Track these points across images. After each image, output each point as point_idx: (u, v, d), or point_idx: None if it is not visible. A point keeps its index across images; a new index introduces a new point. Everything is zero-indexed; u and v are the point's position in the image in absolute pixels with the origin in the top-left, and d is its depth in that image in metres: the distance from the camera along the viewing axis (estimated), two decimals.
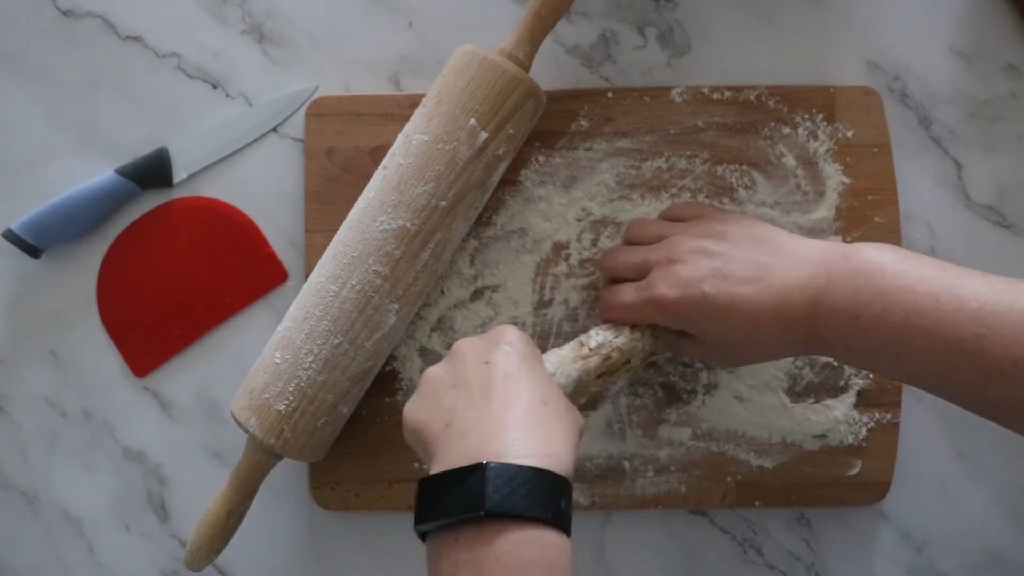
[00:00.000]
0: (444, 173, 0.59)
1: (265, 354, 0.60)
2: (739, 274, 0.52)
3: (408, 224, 0.59)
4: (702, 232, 0.55)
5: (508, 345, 0.49)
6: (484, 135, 0.59)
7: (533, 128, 0.64)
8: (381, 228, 0.59)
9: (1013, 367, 0.45)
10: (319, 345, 0.58)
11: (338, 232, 0.61)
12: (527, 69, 0.60)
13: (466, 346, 0.50)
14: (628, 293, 0.55)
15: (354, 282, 0.59)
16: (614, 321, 0.57)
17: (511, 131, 0.60)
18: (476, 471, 0.41)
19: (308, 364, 0.58)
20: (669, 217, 0.60)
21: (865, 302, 0.48)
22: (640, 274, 0.56)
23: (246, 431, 0.59)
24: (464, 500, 0.41)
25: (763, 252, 0.52)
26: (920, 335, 0.47)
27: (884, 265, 0.49)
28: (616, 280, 0.58)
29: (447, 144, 0.59)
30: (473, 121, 0.59)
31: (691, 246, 0.54)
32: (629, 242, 0.59)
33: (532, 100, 0.60)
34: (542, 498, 0.41)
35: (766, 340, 0.52)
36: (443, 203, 0.59)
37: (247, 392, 0.59)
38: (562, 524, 0.41)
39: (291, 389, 0.58)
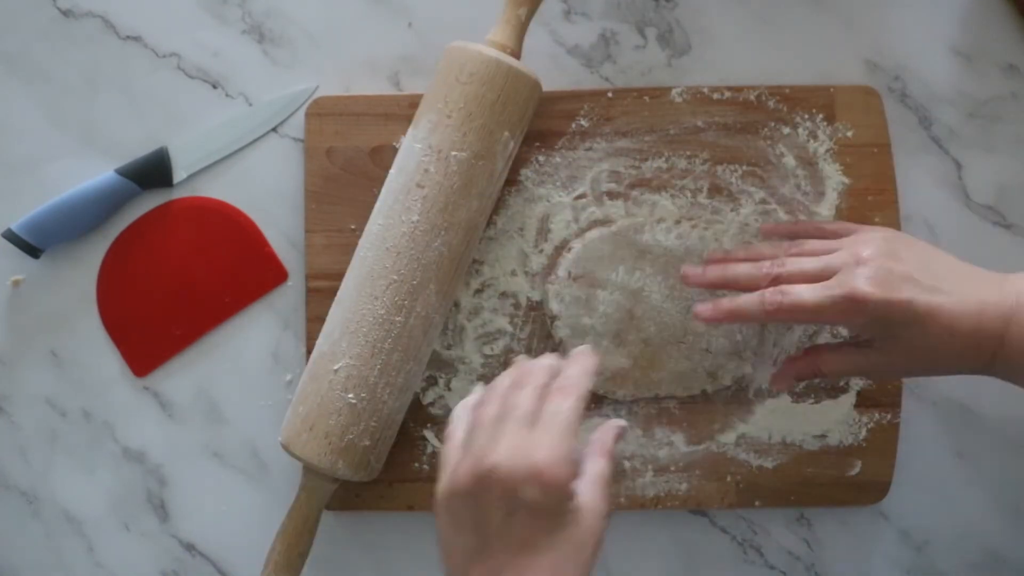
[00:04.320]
0: (485, 190, 0.60)
1: (328, 393, 0.59)
2: (933, 284, 0.51)
3: (459, 245, 0.60)
4: (873, 239, 0.53)
5: (540, 490, 0.43)
6: (512, 145, 0.60)
7: (533, 128, 0.65)
8: (436, 252, 0.59)
9: None
10: (394, 376, 0.59)
11: (373, 251, 0.60)
12: (520, 56, 0.61)
13: (501, 472, 0.44)
14: (810, 292, 0.52)
15: (419, 309, 0.59)
16: (785, 321, 0.56)
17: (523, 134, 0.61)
18: None
19: (386, 397, 0.59)
20: (806, 233, 0.59)
21: None
22: (813, 280, 0.53)
23: (332, 476, 0.59)
24: None
25: (946, 268, 0.52)
26: None
27: None
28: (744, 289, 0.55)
29: (487, 161, 0.59)
30: (507, 134, 0.59)
31: (875, 249, 0.52)
32: (751, 258, 0.57)
33: (537, 98, 0.61)
34: None
35: (956, 354, 0.51)
36: (482, 218, 0.61)
37: (323, 437, 0.58)
38: None
39: (374, 423, 0.59)
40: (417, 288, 0.59)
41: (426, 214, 0.59)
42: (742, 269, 0.56)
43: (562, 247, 0.65)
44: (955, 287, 0.51)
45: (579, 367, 0.49)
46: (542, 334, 0.65)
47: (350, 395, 0.58)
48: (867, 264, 0.51)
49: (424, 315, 0.59)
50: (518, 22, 0.61)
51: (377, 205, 0.61)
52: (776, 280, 0.54)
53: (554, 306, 0.64)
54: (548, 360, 0.50)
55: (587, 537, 0.45)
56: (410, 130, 0.61)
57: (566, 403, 0.46)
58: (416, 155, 0.60)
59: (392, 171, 0.62)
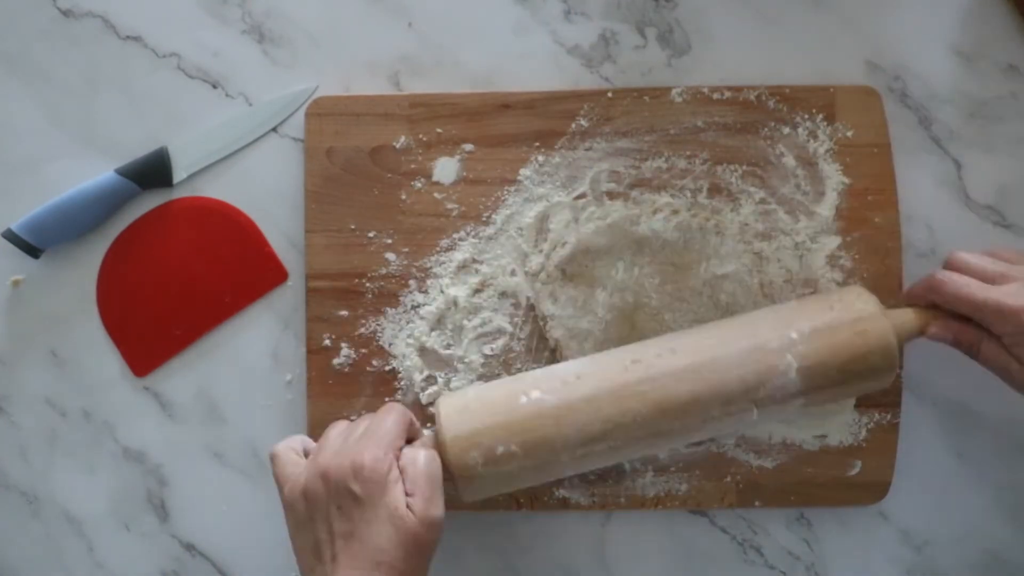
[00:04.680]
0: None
1: (516, 410, 0.57)
2: None
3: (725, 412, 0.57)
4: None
5: (361, 484, 0.52)
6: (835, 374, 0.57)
7: (533, 128, 0.65)
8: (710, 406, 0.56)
9: None
10: (574, 455, 0.56)
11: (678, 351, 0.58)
12: (901, 344, 0.59)
13: (329, 474, 0.53)
14: (978, 287, 0.57)
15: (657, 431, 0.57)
16: (934, 302, 0.59)
17: (845, 391, 0.59)
18: None
19: (559, 459, 0.56)
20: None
21: None
22: (988, 281, 0.57)
23: (451, 476, 0.56)
24: None
25: None
26: None
27: None
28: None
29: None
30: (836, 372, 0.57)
31: None
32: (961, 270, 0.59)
33: (880, 376, 0.58)
34: None
35: None
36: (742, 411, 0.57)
37: (473, 448, 0.56)
38: None
39: (511, 477, 0.57)
40: (668, 411, 0.56)
41: (729, 349, 0.57)
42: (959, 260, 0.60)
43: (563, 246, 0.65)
44: None
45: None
46: (542, 333, 0.65)
47: (521, 451, 0.56)
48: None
49: (637, 416, 0.56)
50: (919, 327, 0.59)
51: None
52: (953, 268, 0.59)
53: (547, 307, 0.64)
54: None
55: (413, 535, 0.51)
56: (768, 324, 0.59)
57: (388, 418, 0.56)
58: (770, 320, 0.59)
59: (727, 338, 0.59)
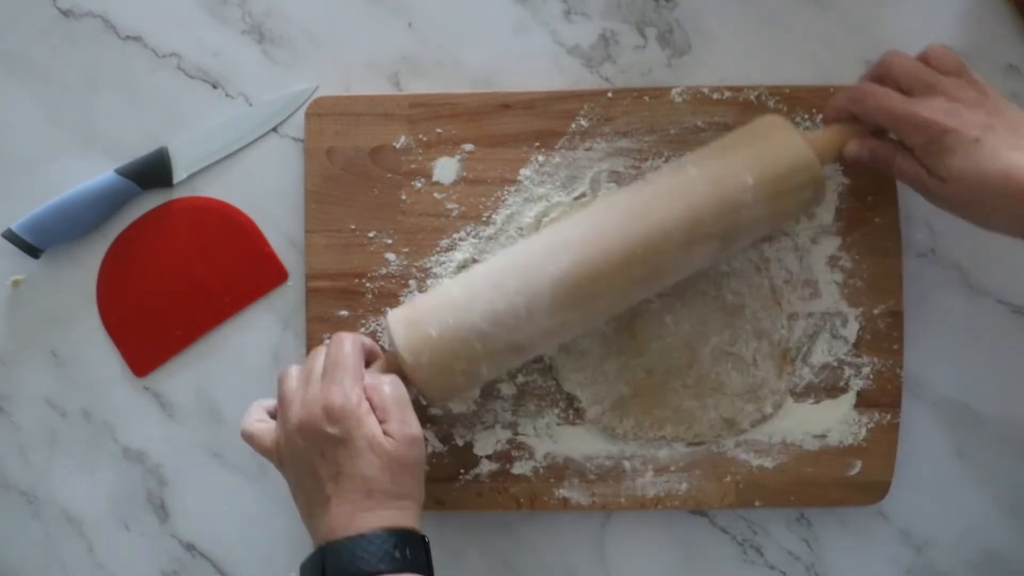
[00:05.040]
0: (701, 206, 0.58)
1: (442, 288, 0.59)
2: (1009, 139, 0.55)
3: (652, 248, 0.57)
4: (986, 96, 0.57)
5: (336, 426, 0.53)
6: (750, 184, 0.58)
7: (533, 128, 0.65)
8: (632, 247, 0.57)
9: None
10: (497, 298, 0.56)
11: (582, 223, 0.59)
12: (824, 163, 0.59)
13: (304, 425, 0.54)
14: (898, 99, 0.57)
15: (565, 264, 0.57)
16: (855, 114, 0.59)
17: (777, 207, 0.58)
18: (319, 554, 0.52)
19: (479, 309, 0.56)
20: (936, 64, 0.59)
21: None
22: (913, 93, 0.57)
23: (416, 384, 0.57)
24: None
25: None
26: None
27: None
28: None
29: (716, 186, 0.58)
30: (750, 179, 0.57)
31: (976, 98, 0.56)
32: (892, 77, 0.59)
33: (811, 190, 0.59)
34: (373, 557, 0.51)
35: (1007, 200, 0.54)
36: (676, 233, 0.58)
37: (427, 346, 0.56)
38: (405, 567, 0.51)
39: (450, 321, 0.56)
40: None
41: (663, 218, 0.57)
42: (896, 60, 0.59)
43: None
44: (1022, 149, 0.54)
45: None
46: None
47: (478, 339, 0.56)
48: (956, 101, 0.56)
49: (566, 268, 0.57)
50: (839, 143, 0.60)
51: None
52: (881, 73, 0.59)
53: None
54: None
55: (396, 457, 0.53)
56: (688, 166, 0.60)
57: (343, 350, 0.56)
58: (694, 175, 0.58)
59: (644, 190, 0.60)
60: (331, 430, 0.53)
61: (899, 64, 0.58)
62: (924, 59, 0.59)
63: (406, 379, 0.57)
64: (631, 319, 0.64)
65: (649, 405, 0.64)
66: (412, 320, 0.57)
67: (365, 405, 0.54)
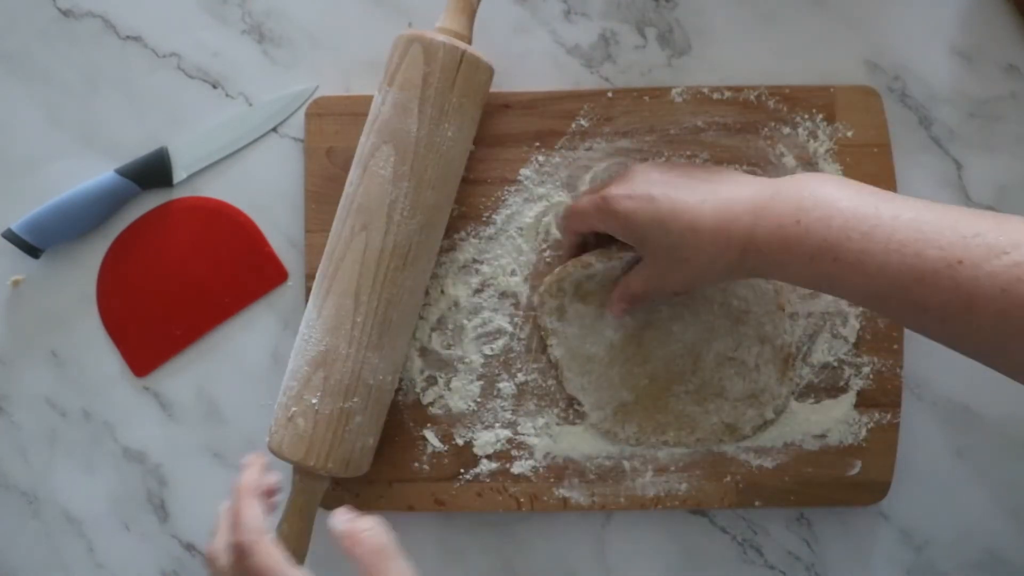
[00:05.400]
0: (437, 176, 0.60)
1: (308, 392, 0.60)
2: (687, 186, 0.54)
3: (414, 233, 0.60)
4: (654, 165, 0.58)
5: None
6: (468, 132, 0.61)
7: (533, 128, 0.65)
8: (397, 239, 0.60)
9: (948, 269, 0.45)
10: (373, 371, 0.60)
11: (338, 253, 0.61)
12: (469, 40, 0.61)
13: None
14: (585, 199, 0.60)
15: (386, 296, 0.60)
16: (568, 229, 0.62)
17: (456, 101, 0.60)
18: None
19: (369, 392, 0.60)
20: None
21: (807, 208, 0.49)
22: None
23: (323, 474, 0.60)
24: None
25: (713, 176, 0.55)
26: (859, 236, 0.47)
27: (827, 180, 0.51)
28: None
29: (437, 150, 0.60)
30: (458, 120, 0.60)
31: (644, 169, 0.58)
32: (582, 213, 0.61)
33: (470, 68, 0.60)
34: None
35: (704, 251, 0.53)
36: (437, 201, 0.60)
37: (307, 438, 0.59)
38: None
39: (358, 419, 0.60)
40: (384, 276, 0.59)
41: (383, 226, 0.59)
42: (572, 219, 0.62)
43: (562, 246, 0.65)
44: (717, 188, 0.53)
45: (247, 501, 0.52)
46: (542, 334, 0.65)
47: (319, 399, 0.59)
48: (628, 176, 0.58)
49: (391, 301, 0.59)
50: (470, 9, 0.61)
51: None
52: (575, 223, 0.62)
53: (550, 320, 0.64)
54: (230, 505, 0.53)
55: None
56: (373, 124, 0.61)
57: (256, 563, 0.48)
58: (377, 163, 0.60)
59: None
60: None
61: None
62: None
63: (317, 480, 0.59)
64: (640, 328, 0.64)
65: (651, 411, 0.64)
66: (292, 441, 0.59)
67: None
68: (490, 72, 0.61)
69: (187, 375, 0.67)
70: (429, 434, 0.65)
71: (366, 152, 0.60)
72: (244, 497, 0.51)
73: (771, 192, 0.51)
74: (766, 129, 0.65)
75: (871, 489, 0.65)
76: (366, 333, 0.59)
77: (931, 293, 0.46)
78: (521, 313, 0.65)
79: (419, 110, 0.59)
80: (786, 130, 0.65)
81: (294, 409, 0.59)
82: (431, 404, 0.65)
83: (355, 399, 0.59)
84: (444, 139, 0.59)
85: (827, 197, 0.49)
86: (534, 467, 0.65)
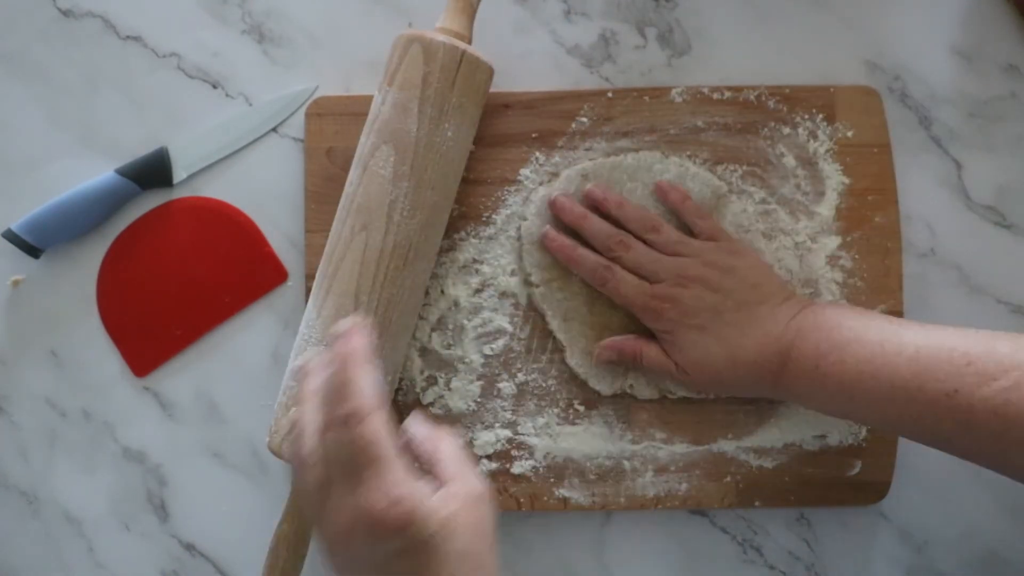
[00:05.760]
0: (437, 177, 0.60)
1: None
2: (731, 316, 0.59)
3: (415, 234, 0.60)
4: (713, 262, 0.61)
5: (388, 537, 0.43)
6: (467, 132, 0.60)
7: (533, 128, 0.65)
8: (397, 240, 0.60)
9: (947, 398, 0.52)
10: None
11: (341, 250, 0.60)
12: (468, 40, 0.61)
13: (350, 538, 0.44)
14: (633, 287, 0.61)
15: (386, 294, 0.59)
16: (607, 292, 0.62)
17: (456, 101, 0.59)
18: None
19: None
20: (679, 208, 0.64)
21: (823, 354, 0.56)
22: (645, 278, 0.61)
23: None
24: None
25: (755, 299, 0.60)
26: (868, 378, 0.54)
27: (841, 322, 0.57)
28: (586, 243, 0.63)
29: (437, 150, 0.59)
30: (458, 120, 0.59)
31: (700, 273, 0.60)
32: (641, 221, 0.63)
33: (470, 68, 0.60)
34: None
35: (739, 379, 0.59)
36: (438, 201, 0.60)
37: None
38: None
39: None
40: (383, 276, 0.59)
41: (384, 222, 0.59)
42: (599, 227, 0.63)
43: None
44: (755, 324, 0.59)
45: (349, 363, 0.45)
46: (542, 333, 0.65)
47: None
48: (681, 285, 0.60)
49: (391, 301, 0.59)
50: (470, 9, 0.61)
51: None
52: (617, 259, 0.62)
53: (548, 299, 0.64)
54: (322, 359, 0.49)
55: (468, 541, 0.44)
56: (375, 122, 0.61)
57: (364, 433, 0.44)
58: (378, 160, 0.59)
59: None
60: (390, 545, 0.43)
61: (630, 247, 0.62)
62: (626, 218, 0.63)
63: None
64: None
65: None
66: (284, 427, 0.59)
67: (421, 491, 0.44)
68: (490, 72, 0.61)
69: (187, 375, 0.67)
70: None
71: (366, 152, 0.60)
72: (355, 364, 0.45)
73: (795, 330, 0.58)
74: (766, 129, 0.65)
75: (871, 489, 0.65)
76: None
77: (934, 420, 0.53)
78: (521, 313, 0.65)
79: (419, 110, 0.59)
80: (786, 130, 0.65)
81: (294, 409, 0.59)
82: (431, 404, 0.65)
83: None
84: (444, 139, 0.59)
85: (840, 341, 0.56)
86: (534, 467, 0.65)
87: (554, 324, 0.64)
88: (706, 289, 0.60)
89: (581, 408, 0.65)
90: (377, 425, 0.44)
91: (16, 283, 0.67)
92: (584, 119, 0.65)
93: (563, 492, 0.65)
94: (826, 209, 0.65)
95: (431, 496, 0.44)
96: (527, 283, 0.64)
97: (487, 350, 0.65)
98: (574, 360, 0.64)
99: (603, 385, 0.64)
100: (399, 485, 0.43)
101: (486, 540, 0.46)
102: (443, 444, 0.48)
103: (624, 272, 0.62)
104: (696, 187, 0.64)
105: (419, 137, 0.59)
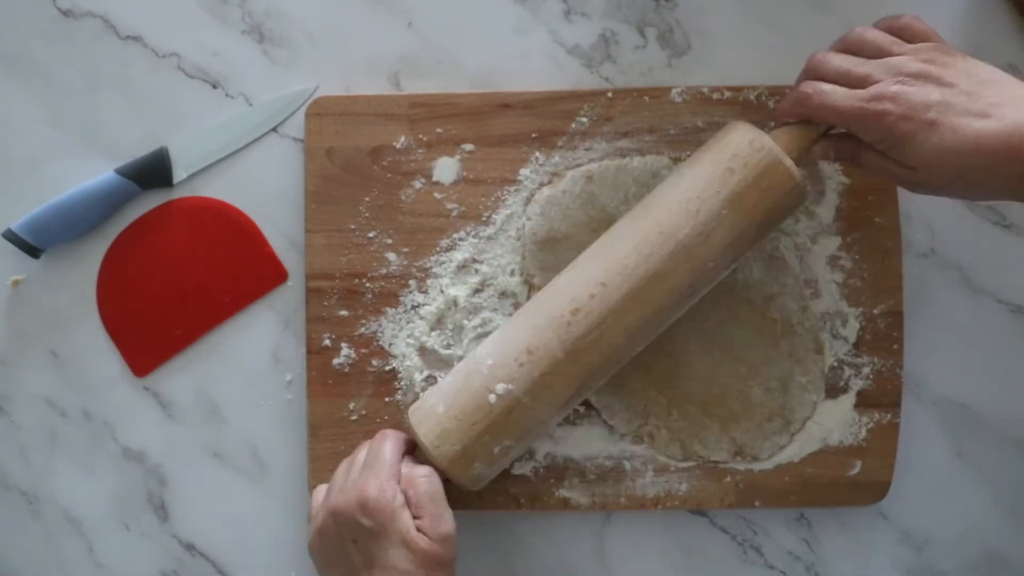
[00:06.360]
0: (703, 277, 0.58)
1: (482, 405, 0.57)
2: (967, 107, 0.52)
3: (664, 308, 0.58)
4: (932, 58, 0.54)
5: (369, 517, 0.54)
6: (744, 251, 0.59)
7: (533, 128, 0.65)
8: (643, 311, 0.58)
9: None
10: (547, 416, 0.59)
11: (583, 280, 0.58)
12: (799, 162, 0.57)
13: (339, 511, 0.55)
14: (842, 96, 0.54)
15: (599, 358, 0.58)
16: (805, 116, 0.56)
17: (759, 218, 0.57)
18: None
19: (529, 432, 0.59)
20: (893, 28, 0.57)
21: None
22: (854, 85, 0.54)
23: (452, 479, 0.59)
24: None
25: (991, 91, 0.52)
26: None
27: None
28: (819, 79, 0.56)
29: (721, 255, 0.57)
30: (726, 212, 0.56)
31: (920, 69, 0.53)
32: (845, 50, 0.57)
33: (791, 197, 0.57)
34: None
35: (982, 169, 0.52)
36: (688, 296, 0.59)
37: (460, 449, 0.57)
38: None
39: (504, 448, 0.58)
40: (607, 335, 0.57)
41: (654, 259, 0.57)
42: (817, 59, 0.57)
43: None
44: (1000, 110, 0.51)
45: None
46: None
47: (508, 430, 0.57)
48: (900, 83, 0.53)
49: (603, 363, 0.58)
50: (801, 144, 0.58)
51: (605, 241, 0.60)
52: (818, 68, 0.56)
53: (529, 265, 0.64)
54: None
55: (430, 554, 0.54)
56: (688, 167, 0.59)
57: (385, 445, 0.58)
58: (673, 203, 0.57)
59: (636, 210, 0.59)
60: (365, 521, 0.54)
61: (831, 61, 0.56)
62: (856, 45, 0.56)
63: (437, 470, 0.58)
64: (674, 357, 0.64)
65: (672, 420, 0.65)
66: (431, 412, 0.58)
67: (400, 499, 0.55)
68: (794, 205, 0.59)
69: (187, 375, 0.67)
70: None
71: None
72: (387, 437, 0.59)
73: None
74: (766, 129, 0.65)
75: (871, 489, 0.65)
76: (563, 385, 0.58)
77: None
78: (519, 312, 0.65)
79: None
80: None
81: (457, 412, 0.57)
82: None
83: (512, 435, 0.58)
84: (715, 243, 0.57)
85: None
86: (534, 467, 0.65)
87: None
88: (931, 84, 0.53)
89: (581, 408, 0.65)
90: (393, 445, 0.59)
91: (16, 283, 0.67)
92: (584, 119, 0.65)
93: (563, 492, 0.65)
94: (826, 209, 0.65)
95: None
96: (529, 284, 0.64)
97: None
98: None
99: (619, 422, 0.64)
100: (387, 486, 0.55)
101: (445, 569, 0.55)
102: (420, 483, 0.56)
103: (825, 83, 0.55)
104: None
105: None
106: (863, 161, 0.56)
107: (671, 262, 0.57)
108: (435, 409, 0.58)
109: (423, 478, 0.56)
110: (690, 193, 0.57)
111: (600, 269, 0.58)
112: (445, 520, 0.56)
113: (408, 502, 0.55)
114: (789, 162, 0.56)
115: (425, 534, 0.54)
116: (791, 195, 0.57)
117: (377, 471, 0.56)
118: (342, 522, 0.55)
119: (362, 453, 0.59)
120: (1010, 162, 0.51)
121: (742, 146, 0.57)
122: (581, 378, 0.58)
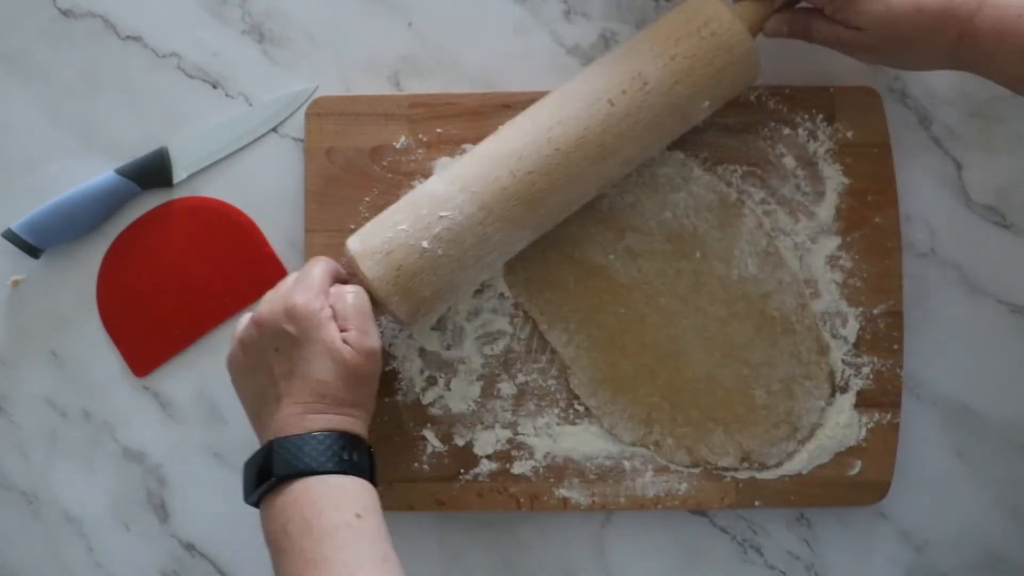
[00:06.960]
0: (659, 140, 0.61)
1: (421, 233, 0.57)
2: None
3: (610, 173, 0.60)
4: None
5: (294, 324, 0.54)
6: (702, 117, 0.61)
7: None
8: (590, 168, 0.59)
9: None
10: (485, 252, 0.59)
11: (531, 137, 0.59)
12: (755, 32, 0.60)
13: (263, 320, 0.55)
14: None
15: (542, 211, 0.59)
16: None
17: (712, 86, 0.59)
18: (266, 450, 0.53)
19: (469, 266, 0.58)
20: None
21: None
22: None
23: (387, 307, 0.58)
24: (264, 472, 0.53)
25: None
26: None
27: None
28: None
29: (676, 119, 0.60)
30: (707, 104, 0.60)
31: None
32: None
33: (744, 62, 0.59)
34: (321, 456, 0.52)
35: (920, 30, 0.55)
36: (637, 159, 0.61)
37: (395, 268, 0.57)
38: (350, 469, 0.53)
39: (445, 281, 0.58)
40: (548, 185, 0.58)
41: (599, 129, 0.58)
42: None
43: None
44: None
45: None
46: (541, 334, 0.65)
47: (439, 249, 0.57)
48: None
49: (544, 214, 0.59)
50: (757, 18, 0.60)
51: (550, 100, 0.60)
52: None
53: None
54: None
55: (352, 366, 0.54)
56: (620, 50, 0.60)
57: (315, 266, 0.57)
58: (617, 75, 0.59)
59: (578, 78, 0.60)
60: (289, 328, 0.54)
61: None
62: None
63: (373, 298, 0.57)
64: (644, 308, 0.64)
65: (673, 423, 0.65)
66: (404, 288, 0.57)
67: (327, 312, 0.55)
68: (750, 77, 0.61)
69: (187, 375, 0.67)
70: (429, 434, 0.65)
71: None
72: (318, 260, 0.58)
73: None
74: (766, 129, 0.65)
75: (871, 489, 0.65)
76: (513, 197, 0.58)
77: None
78: (521, 314, 0.65)
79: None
80: (786, 130, 0.65)
81: (394, 237, 0.58)
82: (431, 404, 0.65)
83: (451, 265, 0.58)
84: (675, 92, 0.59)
85: None
86: (534, 467, 0.65)
87: (559, 341, 0.65)
88: None
89: (581, 408, 0.65)
90: (323, 266, 0.58)
91: (16, 283, 0.67)
92: None
93: (563, 492, 0.65)
94: (826, 209, 0.65)
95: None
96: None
97: (487, 351, 0.65)
98: (580, 389, 0.65)
99: (621, 432, 0.64)
100: (313, 296, 0.55)
101: (366, 383, 0.55)
102: (348, 297, 0.56)
103: None
104: (702, 192, 0.64)
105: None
106: (814, 32, 0.59)
107: (626, 101, 0.58)
108: (372, 236, 0.58)
109: (351, 294, 0.56)
110: (643, 46, 0.59)
111: (551, 115, 0.59)
112: (371, 335, 0.55)
113: (335, 315, 0.55)
114: (742, 26, 0.58)
115: (350, 346, 0.54)
116: (745, 58, 0.59)
117: (307, 286, 0.55)
118: (266, 331, 0.55)
119: (291, 277, 0.58)
120: (947, 23, 0.54)
121: (703, 13, 0.59)
122: (525, 198, 0.58)
